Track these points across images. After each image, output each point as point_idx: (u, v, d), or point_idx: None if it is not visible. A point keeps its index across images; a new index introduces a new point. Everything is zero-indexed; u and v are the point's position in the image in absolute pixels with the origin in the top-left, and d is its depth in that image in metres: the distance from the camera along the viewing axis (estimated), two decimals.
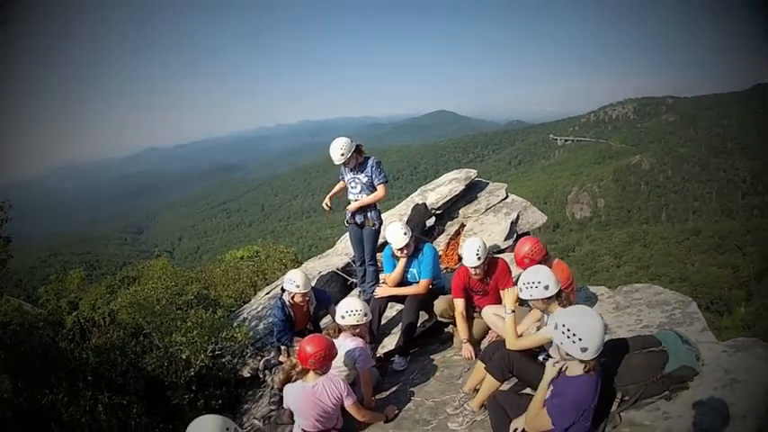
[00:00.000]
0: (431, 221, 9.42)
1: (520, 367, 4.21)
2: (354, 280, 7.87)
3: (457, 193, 9.12)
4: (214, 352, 6.82)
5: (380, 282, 6.61)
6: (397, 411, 4.96)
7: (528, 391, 4.44)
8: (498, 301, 5.36)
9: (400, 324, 5.98)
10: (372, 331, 5.98)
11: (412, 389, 5.38)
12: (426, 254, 5.92)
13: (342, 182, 6.77)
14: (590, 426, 3.39)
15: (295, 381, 4.50)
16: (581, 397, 3.20)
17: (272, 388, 5.81)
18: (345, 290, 8.05)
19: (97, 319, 8.17)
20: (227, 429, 2.78)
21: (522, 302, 4.64)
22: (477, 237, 5.59)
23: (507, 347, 4.27)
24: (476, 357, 5.20)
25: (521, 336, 4.31)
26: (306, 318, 6.10)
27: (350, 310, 4.99)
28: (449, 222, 9.08)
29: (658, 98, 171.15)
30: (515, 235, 8.09)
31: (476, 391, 4.63)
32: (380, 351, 6.11)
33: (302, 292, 5.70)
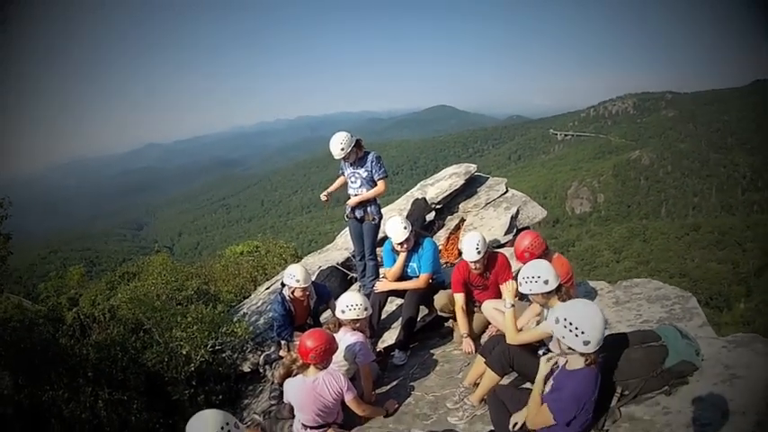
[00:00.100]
0: (430, 216, 9.41)
1: (520, 362, 4.22)
2: (354, 275, 7.87)
3: (457, 187, 9.11)
4: (214, 347, 6.82)
5: (380, 276, 6.61)
6: (397, 406, 4.97)
7: (528, 385, 4.44)
8: (498, 295, 5.35)
9: (400, 319, 5.99)
10: (372, 326, 6.00)
11: (412, 383, 5.39)
12: (426, 248, 5.91)
13: (342, 177, 6.76)
14: (590, 419, 3.39)
15: (295, 375, 4.50)
16: (582, 390, 3.20)
17: (273, 383, 5.82)
18: (345, 284, 8.05)
19: (97, 315, 8.17)
20: (228, 424, 2.78)
21: (521, 297, 4.64)
22: (476, 231, 5.58)
23: (507, 342, 4.28)
24: (476, 352, 5.21)
25: (521, 330, 4.32)
26: (306, 312, 6.10)
27: (350, 304, 4.99)
28: (449, 217, 9.07)
29: (658, 93, 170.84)
30: (515, 229, 8.08)
31: (476, 385, 4.63)
32: (380, 346, 6.12)
33: (302, 286, 5.69)
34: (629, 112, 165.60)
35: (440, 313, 6.12)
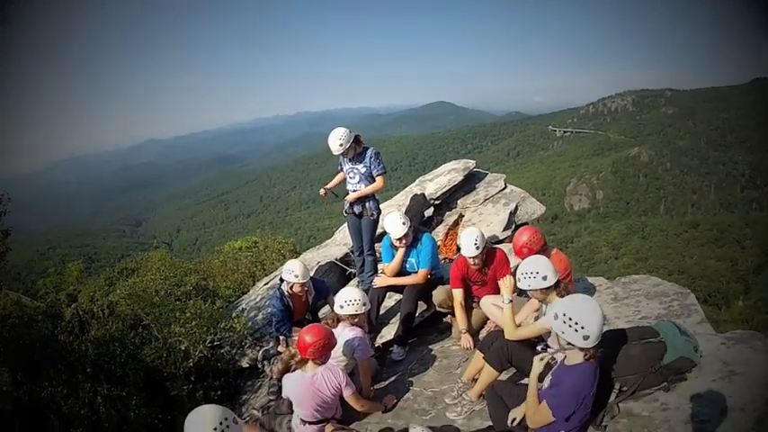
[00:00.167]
0: (429, 212, 9.40)
1: (518, 357, 4.21)
2: (353, 270, 7.88)
3: (455, 183, 9.11)
4: (213, 343, 6.82)
5: (379, 272, 6.61)
6: (395, 401, 4.98)
7: (527, 381, 4.45)
8: (497, 291, 5.34)
9: (399, 314, 5.99)
10: (371, 321, 6.00)
11: (410, 379, 5.39)
12: (425, 244, 5.92)
13: (341, 173, 6.76)
14: (589, 415, 3.39)
15: (294, 371, 4.51)
16: (580, 385, 3.20)
17: (271, 378, 5.82)
18: (344, 280, 8.06)
19: (96, 311, 8.16)
20: (226, 419, 2.78)
21: (520, 292, 4.64)
22: (475, 227, 5.58)
23: (506, 337, 4.28)
24: (474, 347, 5.22)
25: (519, 326, 4.32)
26: (304, 308, 6.12)
27: (348, 299, 5.00)
28: (447, 213, 9.06)
29: (657, 90, 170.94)
30: (514, 225, 8.07)
31: (474, 380, 4.64)
32: (379, 341, 6.12)
33: (301, 281, 5.71)
34: (629, 109, 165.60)
35: (438, 309, 6.13)
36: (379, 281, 6.16)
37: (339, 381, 4.33)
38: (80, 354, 6.41)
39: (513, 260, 5.57)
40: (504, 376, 4.50)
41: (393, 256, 6.08)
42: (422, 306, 6.22)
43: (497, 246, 6.15)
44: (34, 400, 5.79)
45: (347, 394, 4.39)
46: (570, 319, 3.13)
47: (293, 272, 5.70)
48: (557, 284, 4.05)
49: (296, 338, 4.60)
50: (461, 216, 8.65)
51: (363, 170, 6.43)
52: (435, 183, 9.28)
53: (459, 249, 5.59)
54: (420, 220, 9.06)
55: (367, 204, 6.59)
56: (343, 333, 4.95)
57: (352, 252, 7.64)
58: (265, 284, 8.62)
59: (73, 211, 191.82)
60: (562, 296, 3.91)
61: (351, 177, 6.56)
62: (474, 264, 5.32)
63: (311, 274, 6.21)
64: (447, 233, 8.30)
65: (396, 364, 5.82)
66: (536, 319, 4.36)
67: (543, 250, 4.98)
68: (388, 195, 10.42)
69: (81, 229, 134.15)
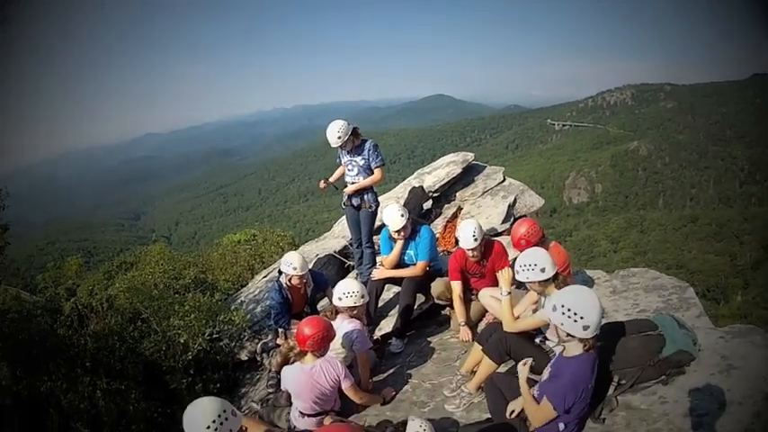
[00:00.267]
0: (428, 204, 9.41)
1: (517, 349, 4.22)
2: (351, 262, 7.89)
3: (454, 176, 9.11)
4: (212, 336, 6.83)
5: (377, 264, 6.61)
6: (394, 393, 4.99)
7: None
8: (495, 283, 5.35)
9: (397, 306, 6.00)
10: (370, 313, 6.03)
11: (409, 371, 5.40)
12: (423, 236, 5.91)
13: (342, 167, 6.76)
14: (587, 407, 3.40)
15: (293, 363, 4.51)
16: (580, 375, 3.20)
17: (270, 371, 5.81)
18: (343, 272, 8.07)
19: (95, 305, 8.16)
20: (225, 412, 2.78)
21: (518, 285, 4.64)
22: (473, 219, 5.58)
23: (504, 329, 4.28)
24: (473, 340, 5.22)
25: (518, 318, 4.31)
26: (303, 300, 6.12)
27: (347, 291, 5.00)
28: (446, 205, 9.08)
29: (656, 85, 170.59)
30: (512, 218, 8.07)
31: (473, 373, 4.66)
32: (378, 333, 6.13)
33: (299, 274, 5.70)
34: (628, 102, 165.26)
35: (437, 301, 6.13)
36: (378, 273, 6.17)
37: (338, 373, 4.33)
38: (79, 348, 6.43)
39: (512, 252, 5.58)
40: (502, 368, 4.50)
41: (392, 249, 6.08)
42: (420, 298, 6.23)
43: (496, 238, 6.15)
44: (33, 394, 5.80)
45: (346, 386, 4.40)
46: (569, 309, 3.12)
47: (292, 264, 5.69)
48: (555, 277, 4.05)
49: (295, 331, 4.59)
50: (460, 208, 8.66)
51: (362, 162, 6.42)
52: (434, 175, 9.29)
53: (457, 242, 5.58)
54: (419, 213, 9.07)
55: (365, 197, 6.59)
56: (342, 325, 4.94)
57: (350, 244, 7.64)
58: (264, 277, 8.62)
59: (72, 205, 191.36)
60: (561, 288, 3.91)
61: (349, 170, 6.55)
62: (472, 256, 5.33)
63: (310, 266, 6.21)
64: (446, 226, 8.31)
65: (394, 356, 5.83)
66: (534, 311, 4.36)
67: (541, 242, 4.98)
68: (387, 188, 10.42)
69: (80, 224, 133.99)
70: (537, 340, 4.39)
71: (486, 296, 5.36)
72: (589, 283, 6.13)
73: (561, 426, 3.36)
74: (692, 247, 67.69)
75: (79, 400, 5.79)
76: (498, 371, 4.37)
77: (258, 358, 6.48)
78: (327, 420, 4.41)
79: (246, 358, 6.87)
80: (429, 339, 6.01)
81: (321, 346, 4.34)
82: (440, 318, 6.50)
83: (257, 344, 6.51)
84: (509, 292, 4.39)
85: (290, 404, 4.71)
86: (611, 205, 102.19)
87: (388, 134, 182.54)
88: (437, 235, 7.88)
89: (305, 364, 4.35)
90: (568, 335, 3.19)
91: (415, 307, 6.08)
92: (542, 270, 3.98)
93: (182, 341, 6.50)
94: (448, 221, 8.38)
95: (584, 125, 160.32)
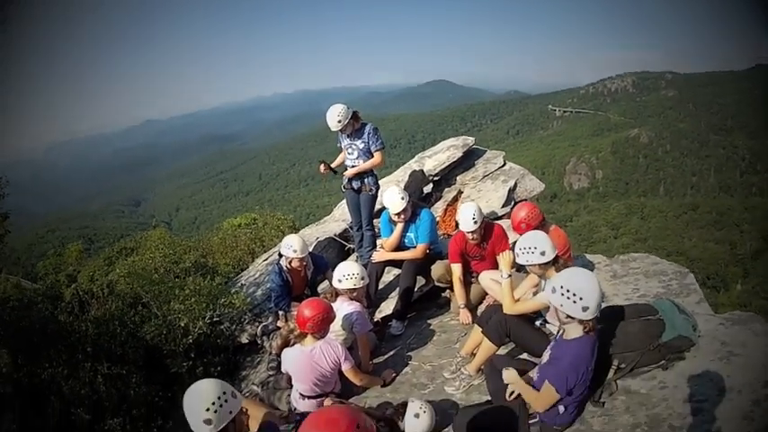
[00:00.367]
0: (428, 188, 9.40)
1: (516, 332, 4.23)
2: (352, 245, 7.89)
3: (454, 159, 9.09)
4: (212, 319, 6.85)
5: (378, 247, 6.62)
6: (394, 375, 5.00)
7: (525, 356, 4.46)
8: (495, 266, 5.36)
9: (397, 289, 6.01)
10: (370, 296, 6.04)
11: (409, 353, 5.42)
12: (423, 219, 5.92)
13: (343, 152, 6.74)
14: (587, 390, 3.41)
15: (293, 345, 4.52)
16: (580, 357, 3.21)
17: (271, 353, 5.83)
18: (343, 255, 8.07)
19: (96, 290, 8.18)
20: (224, 393, 2.77)
21: (519, 268, 4.64)
22: (473, 202, 5.58)
23: (504, 311, 4.28)
24: (473, 322, 5.23)
25: (518, 301, 4.31)
26: (303, 283, 6.12)
27: (347, 273, 5.00)
28: (446, 189, 9.07)
29: (658, 73, 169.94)
30: (513, 202, 8.05)
31: (473, 355, 4.66)
32: (378, 316, 6.15)
33: (299, 256, 5.70)
34: (629, 90, 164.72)
35: (437, 283, 6.15)
36: (378, 256, 6.18)
37: (338, 355, 4.34)
38: (80, 334, 6.45)
39: (512, 236, 5.58)
40: (502, 351, 4.51)
41: (392, 231, 6.09)
42: (421, 281, 6.24)
43: (496, 222, 6.16)
44: (35, 382, 5.80)
45: (346, 368, 4.41)
46: (568, 290, 3.12)
47: (292, 247, 5.69)
48: (555, 260, 4.04)
49: (295, 313, 4.59)
50: (460, 192, 8.65)
51: (362, 146, 6.41)
52: (434, 159, 9.27)
53: (457, 225, 5.58)
54: (419, 197, 9.06)
55: (365, 180, 6.58)
56: (342, 307, 4.95)
57: (350, 228, 7.65)
58: (264, 261, 8.63)
59: (72, 193, 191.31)
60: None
61: (349, 153, 6.54)
62: (472, 238, 5.33)
63: (310, 249, 6.22)
64: (446, 209, 8.30)
65: (394, 338, 5.84)
66: (535, 294, 4.36)
67: (542, 226, 4.97)
68: (387, 172, 10.39)
69: (80, 211, 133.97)
70: (537, 323, 4.39)
71: (486, 279, 5.36)
72: (589, 267, 6.11)
73: (561, 408, 3.38)
74: (693, 234, 67.64)
75: (80, 386, 5.81)
76: (498, 353, 4.38)
77: (259, 341, 6.51)
78: (328, 402, 4.43)
79: (247, 341, 6.89)
80: (429, 322, 6.03)
81: (321, 328, 4.35)
82: (440, 300, 6.50)
83: (258, 327, 6.55)
84: (509, 275, 4.38)
85: (291, 386, 4.72)
86: (612, 191, 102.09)
87: (388, 119, 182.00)
88: (437, 219, 7.89)
89: (305, 347, 4.35)
90: (568, 316, 3.19)
91: (416, 289, 6.09)
92: (542, 253, 3.97)
93: (182, 325, 6.52)
94: (448, 205, 8.38)
95: (585, 111, 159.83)
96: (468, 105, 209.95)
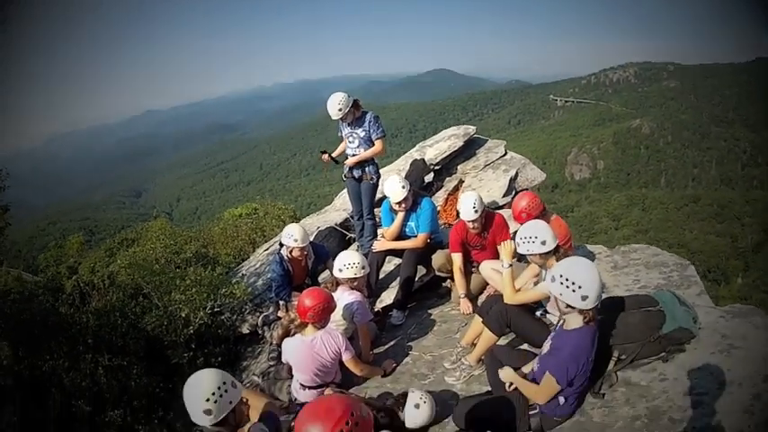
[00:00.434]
0: (429, 177, 9.39)
1: (517, 322, 4.22)
2: (353, 235, 7.89)
3: (456, 149, 9.08)
4: (213, 309, 6.85)
5: (378, 236, 6.61)
6: (394, 365, 4.99)
7: (525, 346, 4.45)
8: (496, 255, 5.34)
9: (398, 278, 6.01)
10: (370, 285, 6.03)
11: (410, 343, 5.42)
12: (424, 208, 5.90)
13: (344, 141, 6.73)
14: (587, 381, 3.40)
15: (293, 335, 4.51)
16: (581, 348, 3.20)
17: (271, 344, 5.83)
18: (344, 245, 8.08)
19: (96, 282, 8.19)
20: (224, 384, 2.77)
21: (520, 258, 4.63)
22: (474, 191, 5.56)
23: (505, 301, 4.27)
24: (473, 312, 5.22)
25: (518, 290, 4.30)
26: (304, 272, 6.12)
27: (347, 263, 4.99)
28: (447, 178, 9.07)
29: (660, 64, 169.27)
30: (514, 192, 8.05)
31: (473, 345, 4.65)
32: (378, 305, 6.15)
33: (300, 246, 5.70)
34: (631, 80, 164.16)
35: (438, 273, 6.15)
36: (379, 245, 6.17)
37: (338, 345, 4.33)
38: (81, 325, 6.45)
39: (513, 226, 5.56)
40: (503, 341, 4.51)
41: (392, 221, 6.08)
42: (421, 270, 6.24)
43: (497, 211, 6.15)
44: (35, 374, 5.81)
45: (346, 358, 4.40)
46: (567, 279, 3.11)
47: (292, 236, 5.69)
48: (556, 250, 4.04)
49: (296, 303, 4.59)
50: (461, 181, 8.64)
51: (363, 134, 6.40)
52: (435, 148, 9.25)
53: (458, 215, 5.57)
54: (420, 186, 9.06)
55: (366, 169, 6.58)
56: (343, 297, 4.94)
57: (351, 217, 7.64)
58: (265, 250, 8.63)
59: (72, 185, 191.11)
60: None
61: (350, 142, 6.52)
62: (473, 228, 5.32)
63: (311, 239, 6.21)
64: (447, 198, 8.29)
65: (395, 328, 5.84)
66: (536, 284, 4.35)
67: (542, 216, 4.96)
68: (388, 162, 10.38)
69: (81, 203, 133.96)
70: (537, 313, 4.39)
71: (486, 268, 5.35)
72: (590, 257, 6.10)
73: (561, 399, 3.38)
74: (694, 227, 67.56)
75: (81, 377, 5.82)
76: (499, 343, 4.38)
77: (259, 331, 6.51)
78: (328, 392, 4.42)
79: (248, 331, 6.89)
80: (430, 311, 6.02)
81: (322, 318, 4.34)
82: (441, 290, 6.50)
83: (258, 317, 6.54)
84: (510, 265, 4.37)
85: (291, 377, 4.72)
86: (613, 182, 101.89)
87: (389, 108, 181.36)
88: (438, 208, 7.88)
89: (306, 336, 4.35)
90: (568, 306, 3.18)
91: (416, 279, 6.09)
92: (543, 243, 3.96)
93: (183, 315, 6.52)
94: (449, 194, 8.36)
95: (586, 101, 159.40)
96: (469, 95, 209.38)
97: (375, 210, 6.95)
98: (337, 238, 8.13)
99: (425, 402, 3.72)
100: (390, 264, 6.53)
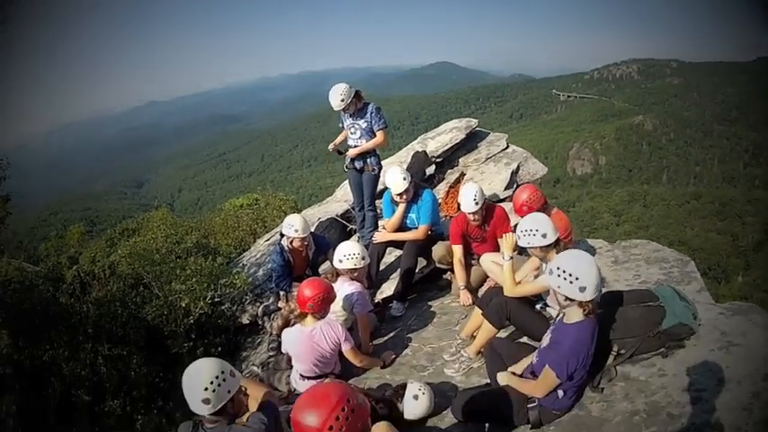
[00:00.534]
0: (431, 170, 9.38)
1: (517, 314, 4.22)
2: (354, 226, 7.90)
3: (457, 141, 9.09)
4: (213, 299, 6.86)
5: (379, 227, 6.62)
6: (394, 357, 5.01)
7: (525, 339, 4.45)
8: (496, 248, 5.36)
9: (399, 270, 6.02)
10: (371, 276, 6.04)
11: (409, 335, 5.43)
12: (425, 199, 5.91)
13: (345, 131, 6.71)
14: (586, 375, 3.40)
15: (293, 325, 4.52)
16: (581, 342, 3.20)
17: (271, 334, 5.83)
18: (345, 236, 8.09)
19: (97, 272, 8.19)
20: (223, 372, 2.76)
21: (520, 251, 4.62)
22: (475, 183, 5.56)
23: (505, 294, 4.27)
24: (473, 304, 5.22)
25: (519, 283, 4.30)
26: (304, 263, 6.13)
27: (348, 253, 4.99)
28: (449, 171, 9.06)
29: (663, 60, 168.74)
30: (515, 185, 8.04)
31: (473, 337, 4.65)
32: (379, 297, 6.16)
33: (301, 236, 5.70)
34: (634, 77, 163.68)
35: (438, 265, 6.16)
36: (380, 236, 6.18)
37: (338, 335, 4.33)
38: (81, 315, 6.47)
39: (514, 218, 5.55)
40: (502, 333, 4.51)
41: (394, 212, 6.08)
42: (422, 262, 6.25)
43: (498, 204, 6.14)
44: (35, 363, 5.83)
45: (346, 349, 4.41)
46: (564, 271, 3.11)
47: (293, 226, 5.69)
48: (556, 243, 4.02)
49: (296, 293, 4.59)
50: (463, 174, 8.63)
51: (364, 125, 6.39)
52: (437, 141, 9.26)
53: (459, 207, 5.57)
54: (422, 178, 9.05)
55: (368, 160, 6.58)
56: (343, 287, 4.94)
57: (352, 208, 7.65)
58: (266, 241, 8.63)
59: (74, 175, 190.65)
60: None
61: (352, 133, 6.52)
62: (474, 220, 5.32)
63: (312, 229, 6.21)
64: (448, 191, 8.28)
65: (395, 319, 5.86)
66: (536, 277, 4.35)
67: (543, 209, 4.95)
68: (390, 154, 10.37)
69: (82, 193, 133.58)
70: (537, 307, 4.39)
71: (487, 261, 5.34)
72: (591, 252, 6.09)
73: (560, 393, 3.38)
74: (695, 224, 67.41)
75: (81, 367, 5.84)
76: (498, 336, 4.38)
77: (259, 321, 6.52)
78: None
79: (248, 322, 6.91)
80: (430, 303, 6.04)
81: (321, 308, 4.34)
82: (441, 282, 6.51)
83: (258, 307, 6.54)
84: (511, 258, 4.37)
85: (291, 367, 4.73)
86: (615, 178, 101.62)
87: (392, 100, 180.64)
88: (440, 200, 7.88)
89: (305, 327, 4.35)
90: (567, 298, 3.18)
91: (417, 271, 6.10)
92: (544, 236, 3.95)
93: (183, 305, 6.53)
94: (450, 187, 8.35)
95: (589, 97, 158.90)
96: (471, 88, 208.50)
97: (376, 201, 6.95)
98: (338, 230, 8.13)
99: (424, 394, 3.72)
100: (391, 255, 6.53)
